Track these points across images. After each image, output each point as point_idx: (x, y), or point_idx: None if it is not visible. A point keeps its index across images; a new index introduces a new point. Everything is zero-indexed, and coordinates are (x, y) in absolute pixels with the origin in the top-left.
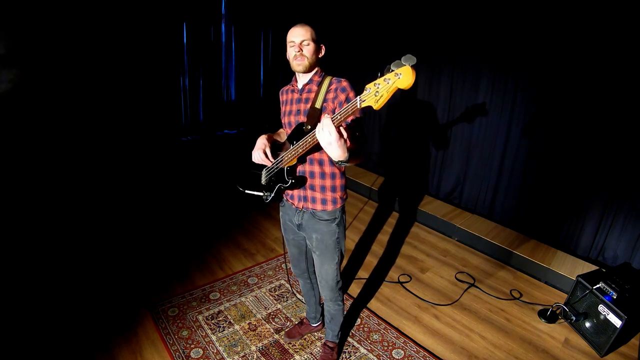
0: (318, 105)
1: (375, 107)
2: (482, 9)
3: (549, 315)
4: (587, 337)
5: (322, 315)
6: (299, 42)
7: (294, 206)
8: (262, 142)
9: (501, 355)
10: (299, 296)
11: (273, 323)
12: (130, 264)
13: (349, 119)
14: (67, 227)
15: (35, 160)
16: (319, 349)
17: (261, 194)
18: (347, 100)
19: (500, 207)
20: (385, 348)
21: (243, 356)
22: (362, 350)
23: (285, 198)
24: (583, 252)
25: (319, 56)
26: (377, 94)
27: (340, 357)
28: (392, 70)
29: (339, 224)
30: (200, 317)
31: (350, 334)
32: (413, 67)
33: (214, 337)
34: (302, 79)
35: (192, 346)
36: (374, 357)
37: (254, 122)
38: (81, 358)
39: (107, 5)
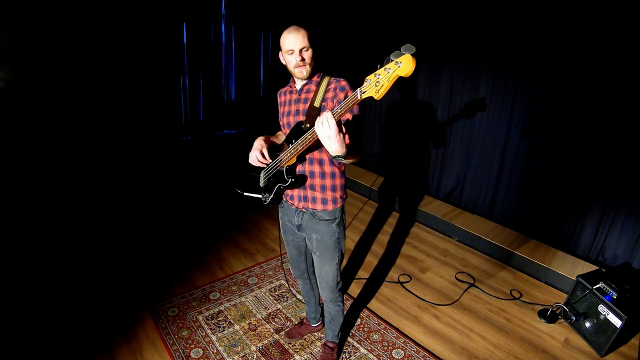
0: (317, 104)
1: (376, 97)
2: (482, 9)
3: (549, 315)
4: (587, 337)
5: (322, 315)
6: (299, 49)
7: (293, 207)
8: (259, 143)
9: (501, 355)
10: (298, 296)
11: (273, 323)
12: (130, 264)
13: (349, 117)
14: (67, 227)
15: (35, 160)
16: (319, 349)
17: (260, 196)
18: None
19: (500, 207)
20: (385, 348)
21: (243, 356)
22: (362, 350)
23: (284, 199)
24: (583, 252)
25: (317, 57)
26: (377, 84)
27: (340, 357)
28: (392, 60)
29: (339, 224)
30: (200, 317)
31: (350, 334)
32: (413, 55)
33: (214, 337)
34: (301, 80)
35: (192, 346)
36: (374, 357)
37: (254, 122)
38: (81, 358)
39: (107, 5)
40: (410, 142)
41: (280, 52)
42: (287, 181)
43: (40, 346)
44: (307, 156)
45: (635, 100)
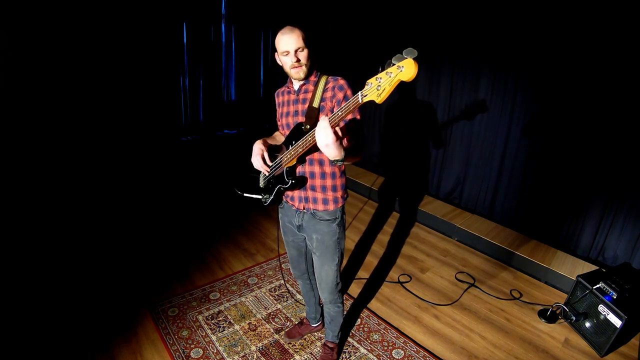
0: (316, 104)
1: (378, 101)
2: (482, 9)
3: (549, 315)
4: (587, 337)
5: (322, 315)
6: (294, 50)
7: (294, 207)
8: (258, 147)
9: (501, 355)
10: (298, 297)
11: (273, 323)
12: (130, 264)
13: (349, 117)
14: (67, 227)
15: (35, 160)
16: (319, 349)
17: (260, 196)
18: (346, 98)
19: (500, 207)
20: (385, 348)
21: (243, 356)
22: (362, 350)
23: (284, 200)
24: (583, 252)
25: (314, 57)
26: (379, 87)
27: (340, 357)
28: (394, 64)
29: (340, 224)
30: (200, 317)
31: (350, 334)
32: (415, 59)
33: (214, 337)
34: (298, 81)
35: (192, 346)
36: (374, 357)
37: (254, 122)
38: (81, 358)
39: (107, 5)
40: (410, 142)
41: (276, 53)
42: (288, 183)
43: (40, 346)
44: (307, 157)
45: (635, 101)
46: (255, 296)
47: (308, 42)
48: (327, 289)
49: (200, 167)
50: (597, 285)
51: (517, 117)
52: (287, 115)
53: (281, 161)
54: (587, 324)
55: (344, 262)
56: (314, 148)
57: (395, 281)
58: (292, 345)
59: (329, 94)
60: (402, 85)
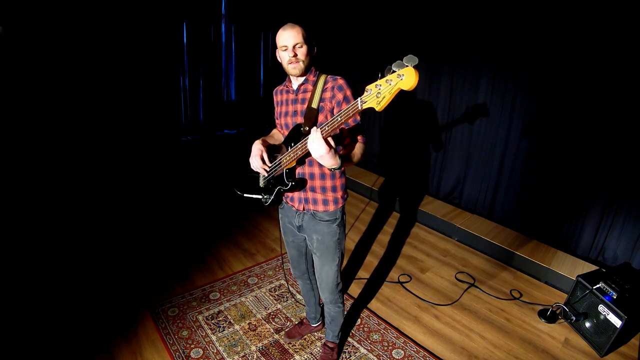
0: (314, 105)
1: (378, 108)
2: (482, 9)
3: (549, 315)
4: (587, 337)
5: (322, 315)
6: (292, 45)
7: (294, 208)
8: (257, 148)
9: (501, 355)
10: (298, 297)
11: (273, 323)
12: (130, 264)
13: (349, 121)
14: (67, 227)
15: (35, 160)
16: (319, 349)
17: (260, 196)
18: (345, 98)
19: (500, 207)
20: (385, 348)
21: (243, 356)
22: (362, 350)
23: (285, 200)
24: (583, 252)
25: (313, 55)
26: (378, 95)
27: (340, 357)
28: (394, 71)
29: (340, 225)
30: (200, 317)
31: (351, 334)
32: (415, 67)
33: (214, 337)
34: (296, 79)
35: (192, 346)
36: (374, 357)
37: (254, 122)
38: (81, 358)
39: (107, 5)
40: (410, 142)
41: (277, 49)
42: (288, 185)
43: (40, 346)
44: (306, 159)
45: (635, 101)
46: (255, 296)
47: (308, 40)
48: (327, 289)
49: (200, 167)
50: (597, 285)
51: (517, 117)
52: (286, 115)
53: (280, 162)
54: (587, 324)
55: (345, 262)
56: None
57: (396, 281)
58: (292, 345)
59: (328, 94)
60: (402, 93)
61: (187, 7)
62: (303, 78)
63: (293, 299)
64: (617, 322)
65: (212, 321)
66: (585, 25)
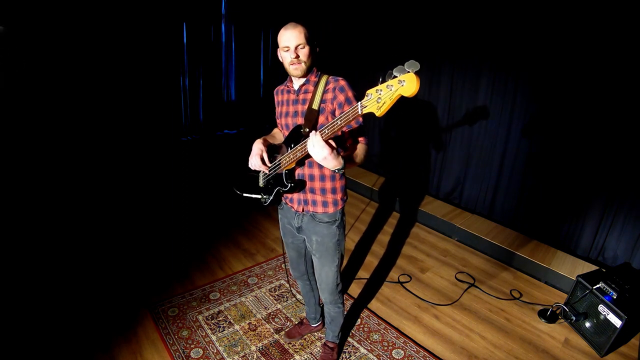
0: (315, 106)
1: (378, 114)
2: (482, 9)
3: (549, 315)
4: (587, 337)
5: (322, 315)
6: (294, 46)
7: (293, 209)
8: (258, 147)
9: (501, 355)
10: (298, 297)
11: (273, 323)
12: (130, 264)
13: (352, 123)
14: (67, 227)
15: (35, 160)
16: (319, 349)
17: (259, 196)
18: (347, 100)
19: (500, 207)
20: (385, 348)
21: (243, 356)
22: (362, 350)
23: (284, 201)
24: (583, 252)
25: (315, 56)
26: (379, 100)
27: (340, 357)
28: (395, 77)
29: (339, 226)
30: (200, 317)
31: (351, 334)
32: (417, 73)
33: (214, 337)
34: (298, 80)
35: (192, 346)
36: (374, 357)
37: (254, 122)
38: (81, 358)
39: (107, 5)
40: (410, 142)
41: (278, 49)
42: (287, 186)
43: (40, 346)
44: (306, 160)
45: (635, 101)
46: (255, 296)
47: (311, 40)
48: (327, 290)
49: (200, 167)
50: (597, 285)
51: (517, 117)
52: (287, 115)
53: (280, 162)
54: (587, 324)
55: (345, 262)
56: None
57: (395, 281)
58: (292, 345)
59: (329, 95)
60: (403, 99)
61: (187, 7)
62: (304, 78)
63: (294, 299)
64: (617, 322)
65: (212, 321)
66: (585, 26)
